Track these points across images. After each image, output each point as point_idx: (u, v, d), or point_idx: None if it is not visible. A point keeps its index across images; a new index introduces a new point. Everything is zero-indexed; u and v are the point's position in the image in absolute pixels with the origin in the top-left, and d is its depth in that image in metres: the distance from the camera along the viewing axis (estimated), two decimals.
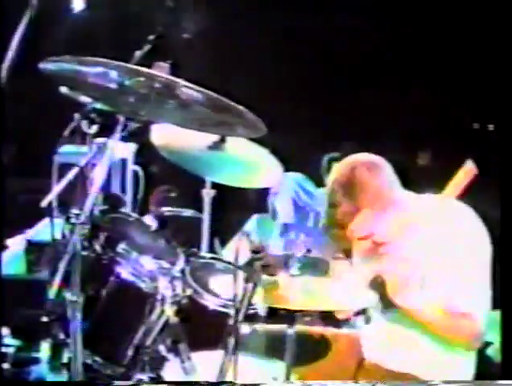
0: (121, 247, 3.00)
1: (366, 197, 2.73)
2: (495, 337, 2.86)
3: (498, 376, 2.55)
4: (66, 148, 2.79)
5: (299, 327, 2.60)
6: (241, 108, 2.64)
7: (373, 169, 2.78)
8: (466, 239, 2.72)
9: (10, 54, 2.71)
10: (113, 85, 2.66)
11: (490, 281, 2.68)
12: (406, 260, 2.74)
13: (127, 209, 4.92)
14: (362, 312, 2.89)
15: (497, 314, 2.66)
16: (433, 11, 5.37)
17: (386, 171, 2.81)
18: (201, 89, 2.59)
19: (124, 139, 2.70)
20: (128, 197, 5.40)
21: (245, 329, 2.84)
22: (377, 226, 2.76)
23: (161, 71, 2.68)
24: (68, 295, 2.60)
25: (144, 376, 2.84)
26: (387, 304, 2.70)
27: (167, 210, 4.34)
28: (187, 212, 4.67)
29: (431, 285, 2.70)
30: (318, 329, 3.01)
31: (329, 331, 3.03)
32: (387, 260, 2.77)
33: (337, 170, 2.82)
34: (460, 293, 2.66)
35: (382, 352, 2.86)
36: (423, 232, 2.77)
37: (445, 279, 2.69)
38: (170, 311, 2.89)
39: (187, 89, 2.57)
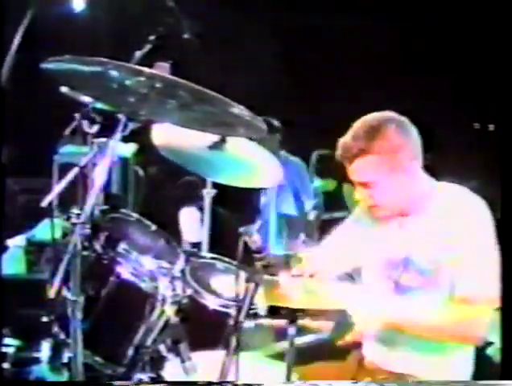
0: (121, 247, 3.00)
1: (383, 145, 2.73)
2: (495, 337, 2.86)
3: (498, 376, 2.55)
4: (66, 148, 2.79)
5: (299, 325, 2.61)
6: (241, 107, 2.64)
7: (403, 127, 2.79)
8: (471, 224, 2.72)
9: (11, 54, 2.71)
10: (113, 85, 2.66)
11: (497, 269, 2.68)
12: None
13: (128, 209, 4.92)
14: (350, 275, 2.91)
15: (497, 314, 2.66)
16: (434, 11, 5.37)
17: (413, 136, 2.81)
18: (201, 88, 2.59)
19: (124, 139, 2.70)
20: (129, 197, 5.40)
21: (248, 324, 2.83)
22: (380, 180, 2.75)
23: (161, 71, 2.68)
24: (68, 295, 2.60)
25: (144, 376, 2.84)
26: None
27: None
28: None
29: (437, 271, 2.71)
30: (318, 327, 3.01)
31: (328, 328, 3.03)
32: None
33: (366, 118, 2.81)
34: (462, 276, 2.67)
35: (382, 352, 2.86)
36: (431, 214, 2.77)
37: (451, 266, 2.69)
38: (170, 311, 2.89)
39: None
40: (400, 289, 2.80)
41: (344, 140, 2.78)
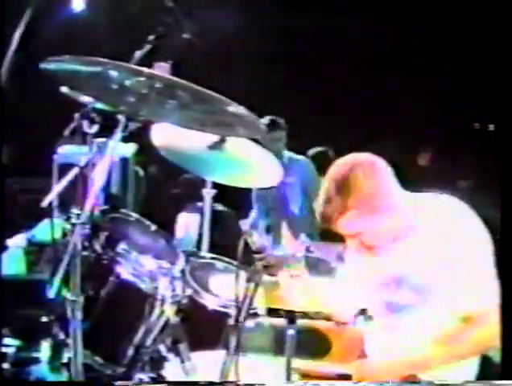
0: (121, 247, 3.00)
1: (358, 198, 2.73)
2: None
3: (498, 376, 2.55)
4: (66, 148, 2.79)
5: (300, 324, 2.61)
6: (241, 107, 2.64)
7: (370, 171, 2.77)
8: (467, 237, 2.72)
9: (11, 54, 2.71)
10: (113, 85, 2.66)
11: (495, 279, 2.68)
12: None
13: (127, 209, 4.92)
14: (363, 312, 2.90)
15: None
16: (434, 11, 5.37)
17: (383, 174, 2.79)
18: (202, 89, 2.59)
19: (124, 139, 2.70)
20: (129, 197, 5.40)
21: (248, 323, 2.83)
22: (366, 227, 2.75)
23: (161, 71, 2.68)
24: (68, 295, 2.60)
25: (144, 376, 2.84)
26: None
27: None
28: None
29: (435, 289, 2.70)
30: (319, 327, 3.01)
31: (331, 330, 3.03)
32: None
33: (335, 167, 2.82)
34: (464, 293, 2.67)
35: (384, 351, 2.86)
36: (421, 233, 2.77)
37: (449, 281, 2.69)
38: (170, 311, 2.89)
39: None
40: (394, 308, 2.81)
41: (320, 207, 2.78)
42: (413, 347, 2.76)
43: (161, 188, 6.03)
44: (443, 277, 2.70)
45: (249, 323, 2.86)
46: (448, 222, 2.74)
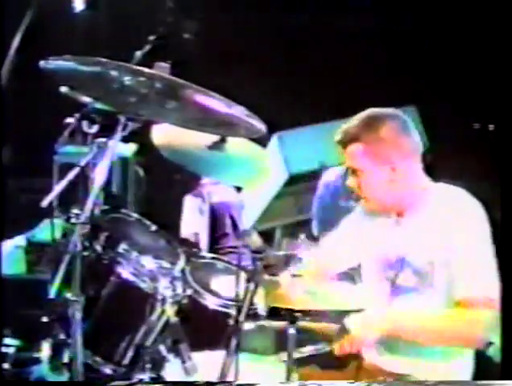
0: (121, 247, 3.00)
1: (375, 138, 2.78)
2: (495, 337, 2.86)
3: (498, 376, 2.55)
4: (66, 148, 2.79)
5: (300, 325, 2.61)
6: (241, 107, 2.64)
7: (405, 128, 2.83)
8: (469, 226, 2.73)
9: (11, 54, 2.71)
10: (113, 85, 2.66)
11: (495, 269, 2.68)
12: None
13: (128, 209, 4.92)
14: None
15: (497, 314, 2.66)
16: (434, 11, 5.37)
17: (411, 140, 2.84)
18: (201, 89, 2.59)
19: (124, 139, 2.70)
20: (129, 197, 5.40)
21: (249, 325, 2.83)
22: (369, 168, 2.79)
23: (161, 71, 2.68)
24: (69, 295, 2.60)
25: (144, 376, 2.84)
26: None
27: None
28: None
29: (438, 274, 2.71)
30: (319, 327, 3.01)
31: (329, 330, 3.03)
32: None
33: (369, 110, 2.86)
34: (462, 279, 2.67)
35: (382, 354, 2.86)
36: (426, 214, 2.78)
37: (448, 267, 2.69)
38: (170, 311, 2.89)
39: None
40: (396, 290, 2.81)
41: (345, 125, 2.86)
42: (397, 311, 2.76)
43: (161, 188, 6.03)
44: (444, 262, 2.70)
45: (250, 323, 2.87)
46: (453, 209, 2.75)
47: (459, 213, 2.74)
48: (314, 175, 4.45)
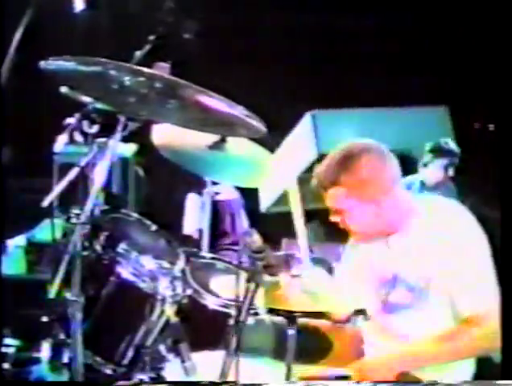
0: (121, 247, 2.99)
1: (353, 179, 2.75)
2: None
3: (498, 376, 2.55)
4: (66, 148, 2.79)
5: (300, 324, 2.61)
6: (241, 107, 2.64)
7: (379, 159, 2.79)
8: (464, 239, 2.72)
9: (11, 53, 2.71)
10: (113, 85, 2.66)
11: (494, 281, 2.68)
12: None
13: (128, 209, 4.93)
14: (360, 312, 2.90)
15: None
16: (434, 11, 5.37)
17: (389, 167, 2.81)
18: (202, 89, 2.59)
19: (124, 139, 2.70)
20: (129, 197, 5.40)
21: (249, 321, 2.83)
22: (350, 210, 2.78)
23: (161, 71, 2.68)
24: (69, 295, 2.60)
25: (144, 376, 2.84)
26: None
27: None
28: None
29: (434, 290, 2.71)
30: (319, 326, 3.01)
31: (330, 329, 3.03)
32: None
33: (349, 143, 2.82)
34: (464, 295, 2.67)
35: (381, 350, 2.86)
36: (419, 230, 2.77)
37: (447, 283, 2.69)
38: (170, 311, 2.89)
39: None
40: (390, 308, 2.81)
41: (319, 170, 2.82)
42: (410, 345, 2.76)
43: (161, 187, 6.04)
44: (440, 278, 2.70)
45: (250, 323, 2.86)
46: (446, 223, 2.75)
47: (450, 224, 2.74)
48: None
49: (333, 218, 2.84)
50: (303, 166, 5.05)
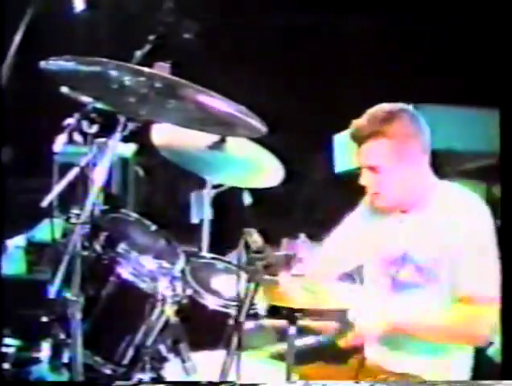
0: (121, 247, 3.00)
1: (396, 131, 2.73)
2: (495, 337, 2.86)
3: (498, 376, 2.55)
4: (66, 148, 2.79)
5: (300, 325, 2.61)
6: (241, 107, 2.64)
7: (417, 122, 2.80)
8: (474, 224, 2.72)
9: (11, 53, 2.71)
10: (113, 85, 2.66)
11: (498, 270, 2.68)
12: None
13: (127, 209, 4.92)
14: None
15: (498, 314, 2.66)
16: (434, 10, 5.37)
17: (424, 133, 2.81)
18: (202, 89, 2.59)
19: (124, 139, 2.70)
20: (129, 197, 5.40)
21: (249, 324, 2.83)
22: (387, 166, 2.76)
23: (161, 71, 2.68)
24: (68, 295, 2.60)
25: (144, 376, 2.84)
26: None
27: None
28: None
29: (442, 271, 2.71)
30: (320, 327, 3.01)
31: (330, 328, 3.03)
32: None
33: (380, 105, 2.81)
34: (464, 275, 2.67)
35: (384, 352, 2.86)
36: (432, 211, 2.78)
37: (452, 264, 2.69)
38: (170, 311, 2.89)
39: None
40: (398, 286, 2.81)
41: (359, 121, 2.78)
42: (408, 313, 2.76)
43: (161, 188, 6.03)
44: (447, 259, 2.70)
45: (250, 323, 2.86)
46: (459, 209, 2.75)
47: (464, 211, 2.74)
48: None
49: (364, 179, 2.80)
50: None
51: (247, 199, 3.30)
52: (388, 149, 2.74)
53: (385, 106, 2.81)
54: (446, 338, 2.72)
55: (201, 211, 4.52)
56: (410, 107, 2.85)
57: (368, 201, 2.91)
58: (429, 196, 2.81)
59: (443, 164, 4.27)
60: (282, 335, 2.69)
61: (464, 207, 2.76)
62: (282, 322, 2.68)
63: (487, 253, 2.69)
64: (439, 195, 2.80)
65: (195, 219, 4.72)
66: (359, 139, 2.78)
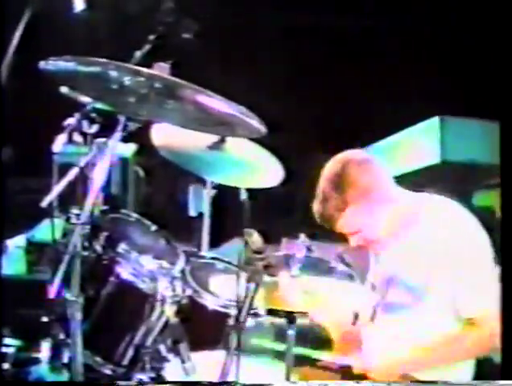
0: (121, 247, 3.00)
1: (354, 193, 2.74)
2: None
3: (498, 376, 2.55)
4: (66, 148, 2.79)
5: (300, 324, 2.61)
6: (241, 107, 2.64)
7: (364, 165, 2.79)
8: (465, 239, 2.72)
9: (10, 53, 2.71)
10: (113, 85, 2.66)
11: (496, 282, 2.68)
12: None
13: (128, 209, 4.92)
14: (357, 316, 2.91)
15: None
16: (434, 11, 5.37)
17: (376, 168, 2.82)
18: (201, 89, 2.59)
19: (124, 139, 2.70)
20: (129, 197, 5.40)
21: (249, 322, 2.83)
22: (366, 222, 2.77)
23: (161, 71, 2.68)
24: (68, 295, 2.60)
25: (144, 376, 2.84)
26: None
27: None
28: None
29: (433, 289, 2.71)
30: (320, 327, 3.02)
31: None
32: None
33: (329, 166, 2.83)
34: (465, 296, 2.67)
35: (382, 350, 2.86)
36: (418, 230, 2.77)
37: (447, 283, 2.69)
38: (170, 311, 2.89)
39: None
40: (387, 308, 2.81)
41: (318, 207, 2.80)
42: (412, 348, 2.76)
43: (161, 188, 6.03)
44: (441, 278, 2.70)
45: (250, 323, 2.86)
46: (446, 224, 2.74)
47: (450, 225, 2.74)
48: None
49: (353, 241, 2.83)
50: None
51: (243, 195, 3.30)
52: (359, 212, 2.75)
53: (329, 175, 2.81)
54: (458, 361, 2.74)
55: (200, 205, 4.53)
56: (352, 156, 2.83)
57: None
58: (413, 216, 2.80)
59: (467, 177, 4.27)
60: (281, 335, 2.69)
61: (450, 220, 2.75)
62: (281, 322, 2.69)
63: (484, 268, 2.69)
64: (425, 213, 2.80)
65: (193, 213, 4.72)
66: (329, 221, 2.80)
